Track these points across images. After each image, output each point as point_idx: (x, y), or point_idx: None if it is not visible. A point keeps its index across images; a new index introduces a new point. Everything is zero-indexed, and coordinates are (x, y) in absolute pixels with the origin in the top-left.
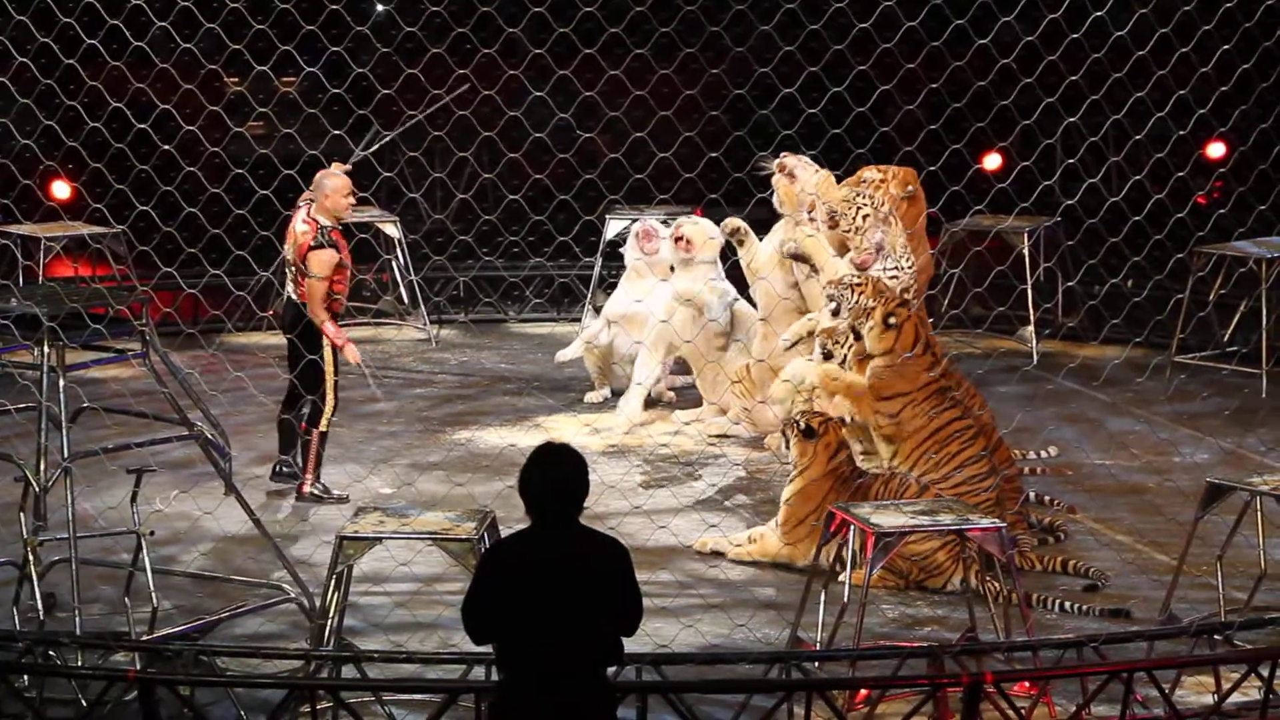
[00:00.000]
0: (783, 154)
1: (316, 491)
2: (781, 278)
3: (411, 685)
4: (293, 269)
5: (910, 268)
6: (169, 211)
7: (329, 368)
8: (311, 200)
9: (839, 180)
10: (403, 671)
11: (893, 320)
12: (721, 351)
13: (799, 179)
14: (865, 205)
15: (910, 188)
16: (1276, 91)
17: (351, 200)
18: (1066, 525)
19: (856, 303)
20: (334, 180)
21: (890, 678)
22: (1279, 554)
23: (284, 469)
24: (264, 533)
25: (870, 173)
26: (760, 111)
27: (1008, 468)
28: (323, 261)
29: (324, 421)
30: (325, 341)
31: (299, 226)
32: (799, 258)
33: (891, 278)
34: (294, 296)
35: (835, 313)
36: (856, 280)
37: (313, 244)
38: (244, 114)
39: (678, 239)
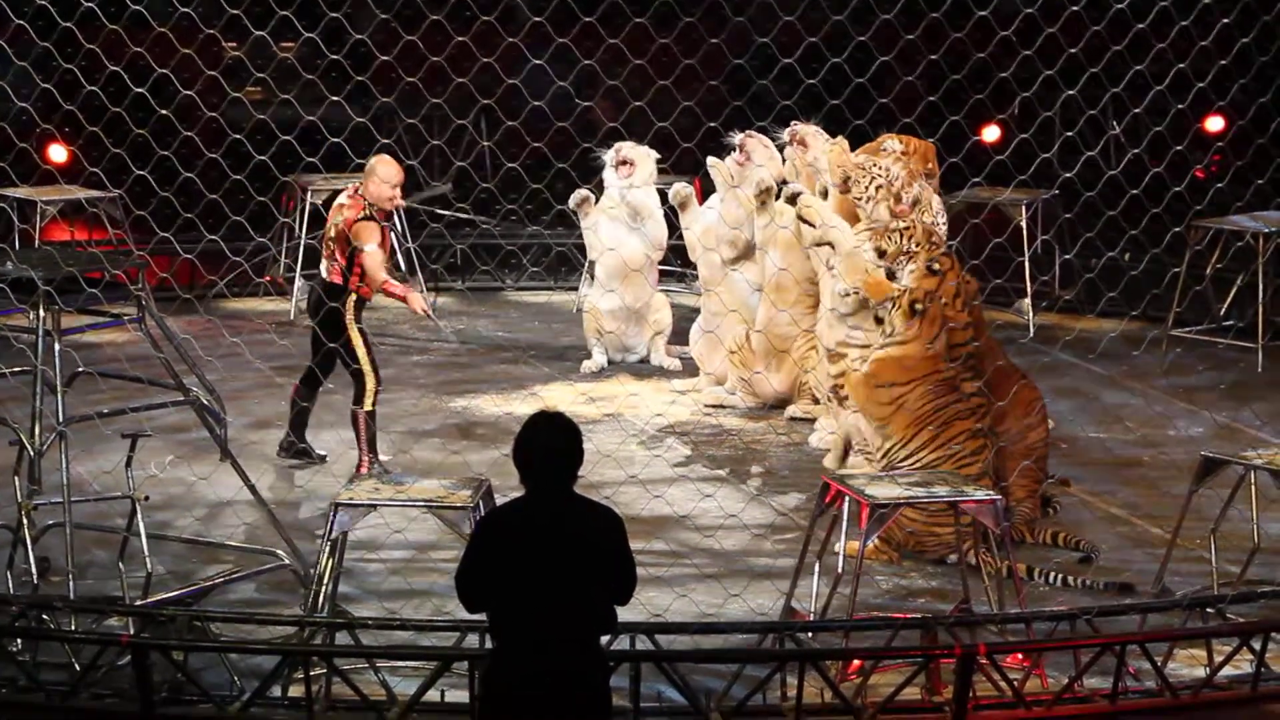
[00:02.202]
0: (794, 123)
1: (374, 473)
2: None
3: (405, 652)
4: (330, 247)
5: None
6: (166, 176)
7: (360, 349)
8: (359, 184)
9: (854, 148)
10: (396, 638)
11: (936, 266)
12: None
13: (811, 147)
14: (880, 175)
15: (929, 165)
16: (1276, 66)
17: (397, 194)
18: (1060, 498)
19: (901, 244)
20: (386, 168)
21: (883, 649)
22: (1272, 528)
23: (291, 447)
24: (259, 498)
25: (892, 142)
26: (759, 81)
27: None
28: (370, 229)
29: (368, 400)
30: (350, 321)
31: (343, 201)
32: (822, 243)
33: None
34: (325, 276)
35: (881, 256)
36: (905, 225)
37: (359, 217)
38: (242, 79)
39: (621, 163)
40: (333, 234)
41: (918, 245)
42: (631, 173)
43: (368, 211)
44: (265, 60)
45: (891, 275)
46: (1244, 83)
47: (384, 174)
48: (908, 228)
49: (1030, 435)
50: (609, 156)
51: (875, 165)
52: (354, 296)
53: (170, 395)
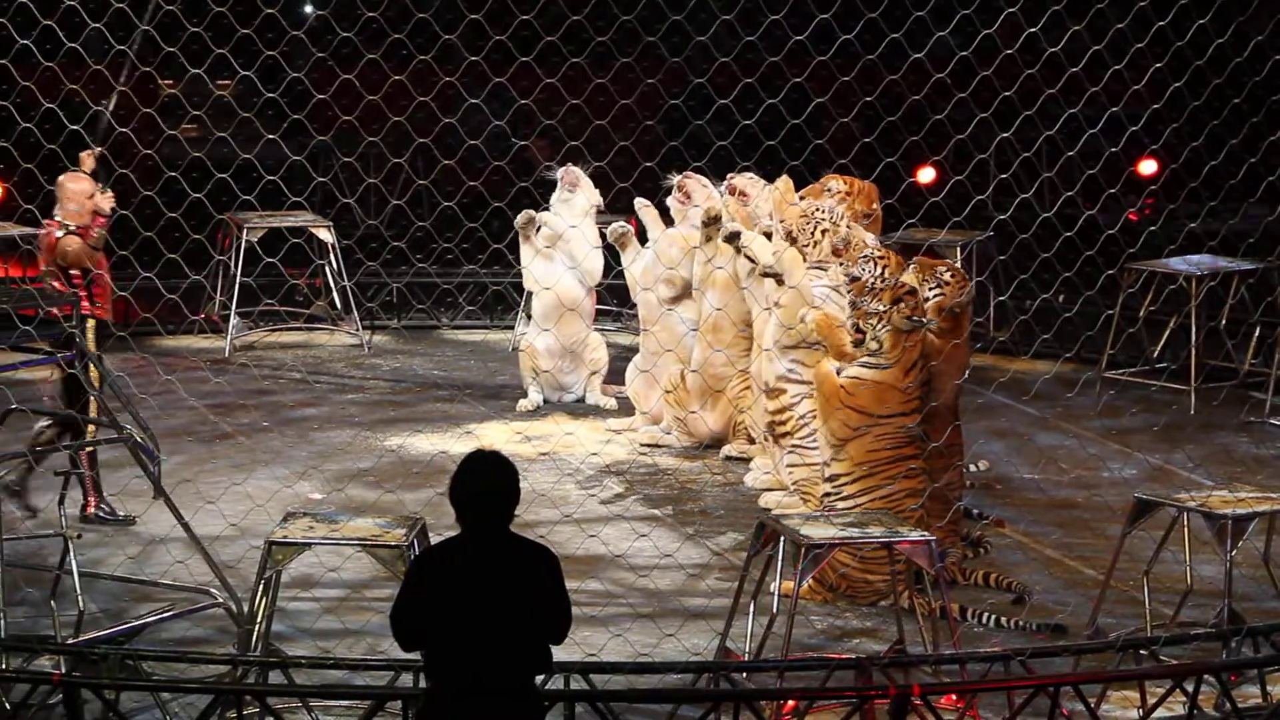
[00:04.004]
0: (730, 176)
1: (102, 513)
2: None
3: (338, 691)
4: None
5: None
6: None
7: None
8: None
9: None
10: (330, 677)
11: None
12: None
13: (751, 196)
14: (824, 220)
15: (874, 206)
16: (1208, 109)
17: (94, 202)
18: (989, 540)
19: (879, 274)
20: (74, 185)
21: (818, 689)
22: (1205, 570)
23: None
24: (192, 537)
25: (836, 183)
26: (696, 121)
27: (951, 477)
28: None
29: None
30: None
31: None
32: (772, 274)
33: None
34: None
35: (853, 284)
36: (879, 254)
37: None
38: (178, 116)
39: (566, 179)
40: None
41: (885, 284)
42: (575, 188)
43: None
44: (202, 98)
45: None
46: (1176, 126)
47: (70, 191)
48: (883, 257)
49: (945, 477)
50: (559, 172)
51: (817, 210)
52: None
53: (104, 433)
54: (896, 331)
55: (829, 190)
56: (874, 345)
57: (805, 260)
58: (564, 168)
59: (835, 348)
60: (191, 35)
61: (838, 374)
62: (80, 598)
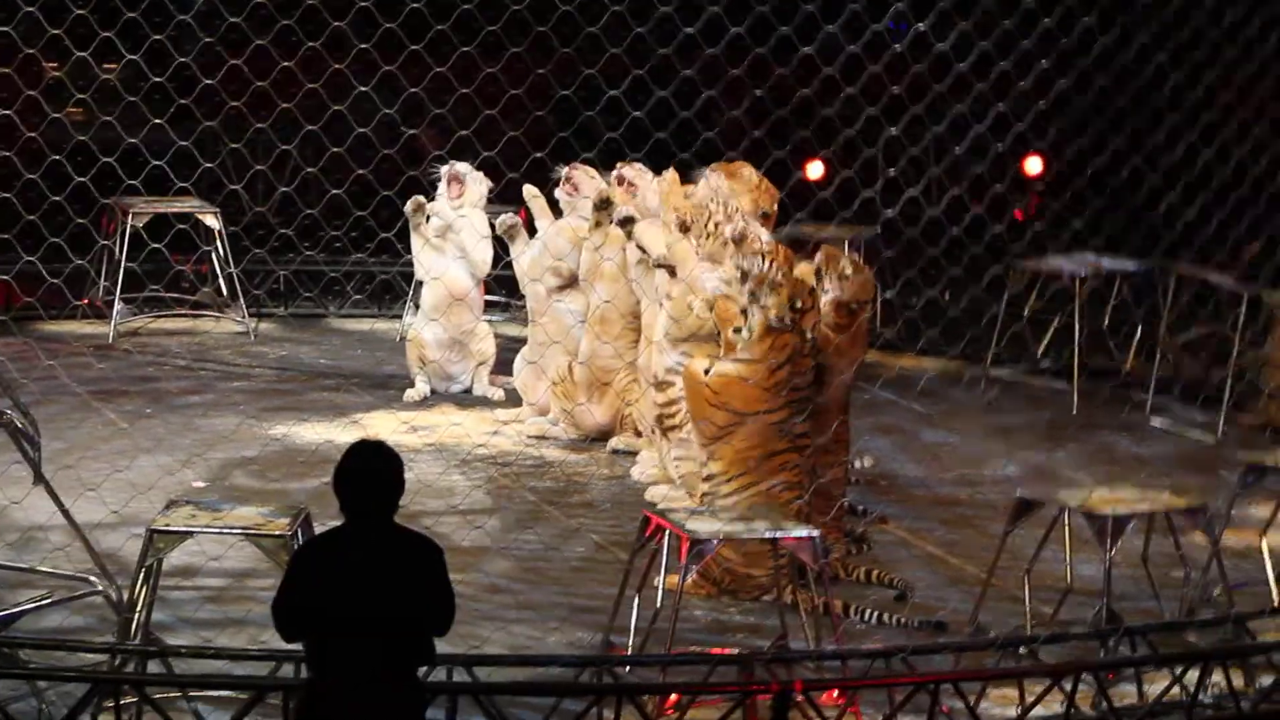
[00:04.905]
0: (618, 165)
1: None
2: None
3: (218, 681)
4: None
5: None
6: None
7: None
8: None
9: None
10: (210, 667)
11: (798, 305)
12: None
13: (639, 187)
14: (719, 212)
15: (774, 208)
16: (1093, 110)
17: None
18: (872, 536)
19: (767, 269)
20: None
21: (700, 684)
22: (1085, 570)
23: None
24: (72, 524)
25: (749, 171)
26: (586, 113)
27: (835, 474)
28: None
29: None
30: None
31: None
32: (665, 265)
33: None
34: None
35: (743, 280)
36: (768, 248)
37: None
38: (63, 100)
39: (452, 179)
40: None
41: (782, 277)
42: (461, 193)
43: None
44: (87, 81)
45: (753, 300)
46: (1062, 126)
47: None
48: (771, 252)
49: (830, 473)
50: (443, 171)
51: (712, 201)
52: None
53: None
54: (766, 327)
55: (741, 176)
56: (745, 335)
57: (698, 251)
58: (446, 167)
59: (728, 339)
60: (77, 18)
61: (705, 373)
62: None
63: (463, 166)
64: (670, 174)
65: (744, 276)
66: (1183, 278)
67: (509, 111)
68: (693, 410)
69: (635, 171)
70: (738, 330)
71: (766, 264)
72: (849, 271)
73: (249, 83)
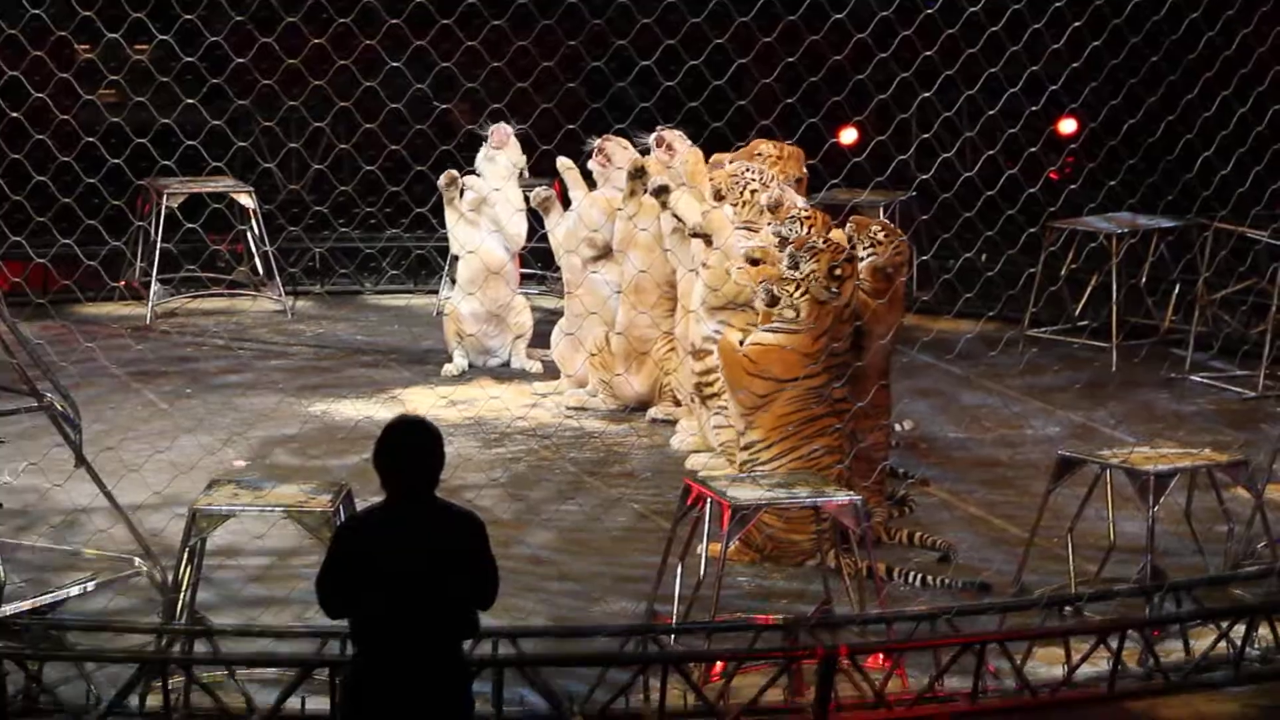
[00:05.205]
0: (659, 128)
1: None
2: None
3: (264, 659)
4: None
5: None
6: (18, 180)
7: None
8: None
9: (713, 152)
10: (256, 646)
11: (839, 271)
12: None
13: (677, 151)
14: (754, 180)
15: (803, 170)
16: (1126, 68)
17: None
18: (913, 499)
19: (806, 234)
20: None
21: (745, 651)
22: (1128, 527)
23: None
24: (115, 505)
25: (766, 147)
26: (618, 84)
27: (877, 438)
28: None
29: None
30: None
31: None
32: (700, 234)
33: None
34: None
35: (782, 247)
36: (806, 214)
37: None
38: (95, 82)
39: (496, 137)
40: None
41: (824, 244)
42: (503, 147)
43: None
44: (119, 63)
45: (794, 267)
46: (1095, 85)
47: None
48: (809, 217)
49: (871, 438)
50: (490, 129)
51: (747, 170)
52: None
53: (24, 401)
54: (814, 301)
55: (759, 154)
56: (790, 314)
57: (734, 220)
58: (495, 125)
59: (767, 312)
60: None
61: (740, 344)
62: (2, 568)
63: (505, 127)
64: (694, 155)
65: (783, 242)
66: (1219, 233)
67: (541, 84)
68: (730, 381)
69: (676, 136)
70: (773, 302)
71: (805, 229)
72: (881, 236)
73: (280, 60)
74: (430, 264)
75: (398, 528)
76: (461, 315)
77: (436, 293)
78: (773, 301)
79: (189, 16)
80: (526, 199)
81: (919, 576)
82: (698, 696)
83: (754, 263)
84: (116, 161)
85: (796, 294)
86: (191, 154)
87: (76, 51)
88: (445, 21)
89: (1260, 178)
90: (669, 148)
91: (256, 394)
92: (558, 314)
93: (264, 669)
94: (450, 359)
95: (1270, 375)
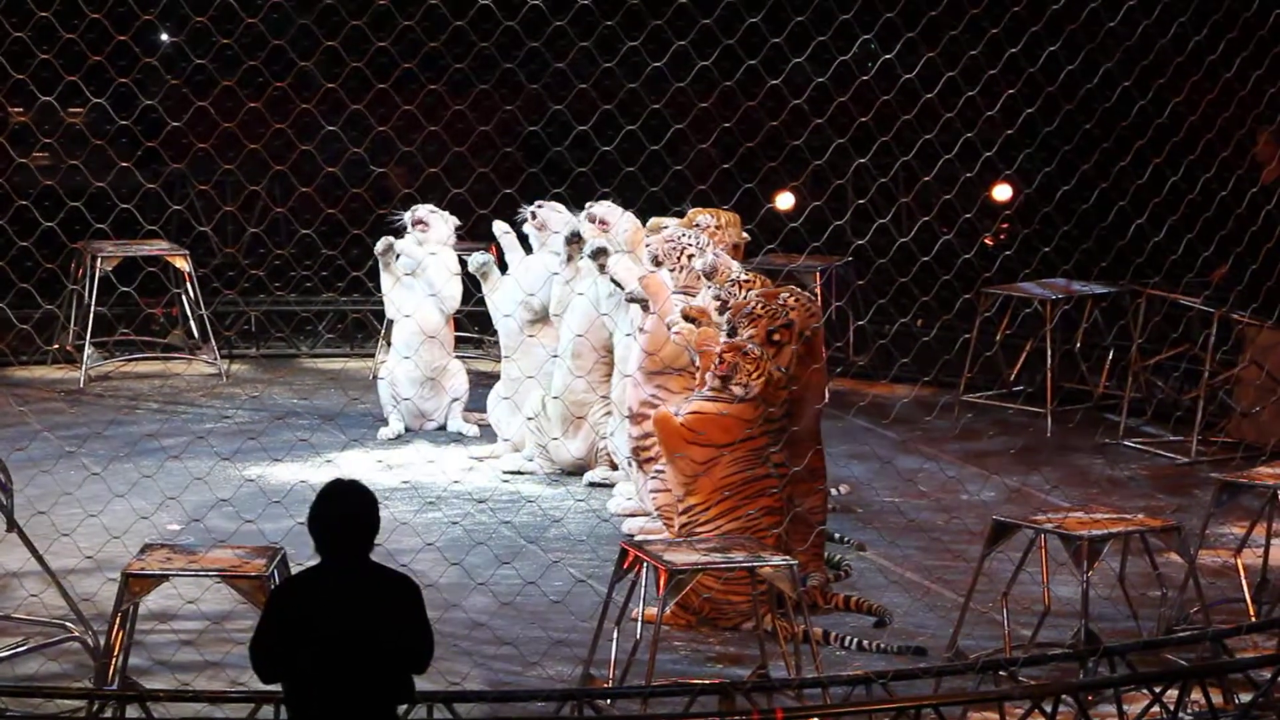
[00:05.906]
0: (589, 204)
1: None
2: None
3: None
4: None
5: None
6: None
7: None
8: None
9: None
10: (190, 711)
11: (776, 337)
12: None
13: (611, 223)
14: (690, 245)
15: (742, 235)
16: (1060, 135)
17: None
18: (849, 563)
19: (745, 298)
20: None
21: (681, 715)
22: (1062, 591)
23: None
24: (47, 569)
25: (704, 217)
26: (554, 148)
27: (813, 501)
28: None
29: None
30: None
31: None
32: (638, 299)
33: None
34: None
35: (721, 311)
36: (745, 277)
37: None
38: (29, 144)
39: (417, 222)
40: None
41: (762, 309)
42: (426, 230)
43: None
44: (53, 126)
45: (731, 333)
46: (1029, 152)
47: None
48: (749, 281)
49: (808, 501)
50: (407, 216)
51: (683, 235)
52: None
53: None
54: (769, 379)
55: (697, 225)
56: (739, 390)
57: (672, 285)
58: (410, 211)
59: (706, 363)
60: (42, 62)
61: (676, 414)
62: None
63: (424, 209)
64: (632, 221)
65: (722, 306)
66: (1152, 299)
67: (477, 149)
68: (668, 450)
69: (606, 209)
70: (725, 378)
71: (744, 293)
72: (791, 303)
73: (216, 124)
74: (366, 327)
75: (332, 592)
76: (398, 378)
77: (373, 356)
78: (724, 383)
79: (124, 80)
80: (462, 262)
81: (855, 640)
82: None
83: (692, 320)
84: (50, 224)
85: (753, 375)
86: (126, 217)
87: (10, 114)
88: (382, 86)
89: (1192, 245)
90: (602, 222)
91: (191, 458)
92: (494, 377)
93: None
94: (386, 422)
95: (1203, 441)
